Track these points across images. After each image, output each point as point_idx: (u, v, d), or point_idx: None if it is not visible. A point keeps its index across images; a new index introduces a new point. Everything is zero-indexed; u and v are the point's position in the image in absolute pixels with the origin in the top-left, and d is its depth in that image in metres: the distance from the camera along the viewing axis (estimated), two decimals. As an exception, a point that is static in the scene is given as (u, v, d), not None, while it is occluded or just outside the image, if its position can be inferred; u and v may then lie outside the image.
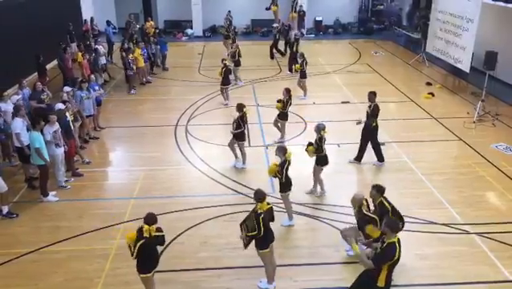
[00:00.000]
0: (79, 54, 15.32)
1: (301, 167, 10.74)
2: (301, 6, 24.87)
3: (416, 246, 7.65)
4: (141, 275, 6.25)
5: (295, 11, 24.40)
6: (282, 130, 11.85)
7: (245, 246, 6.61)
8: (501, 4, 14.41)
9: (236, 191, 9.53)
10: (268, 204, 6.63)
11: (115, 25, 23.46)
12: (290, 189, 8.26)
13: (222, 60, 14.57)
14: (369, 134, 10.27)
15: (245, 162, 10.52)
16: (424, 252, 7.59)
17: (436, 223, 8.38)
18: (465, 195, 9.40)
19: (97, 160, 11.11)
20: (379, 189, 6.81)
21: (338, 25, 26.43)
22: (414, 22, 23.86)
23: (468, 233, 8.21)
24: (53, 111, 10.12)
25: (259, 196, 6.56)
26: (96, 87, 12.48)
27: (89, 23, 20.96)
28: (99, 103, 12.48)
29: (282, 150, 8.17)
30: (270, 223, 6.68)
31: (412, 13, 24.86)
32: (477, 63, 15.23)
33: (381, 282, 5.55)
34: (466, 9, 15.09)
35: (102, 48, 16.98)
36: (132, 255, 6.01)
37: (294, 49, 18.07)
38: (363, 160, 10.55)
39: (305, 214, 8.80)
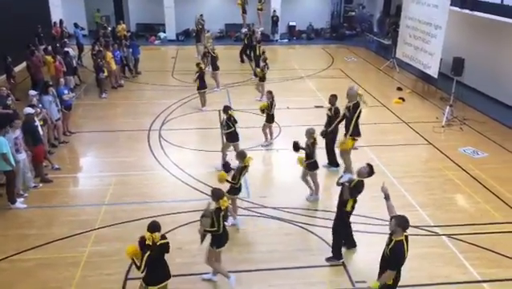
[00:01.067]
0: (48, 57, 14.97)
1: (276, 171, 10.82)
2: (274, 10, 25.05)
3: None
4: (149, 288, 6.05)
5: (260, 3, 24.40)
6: (270, 133, 11.96)
7: (202, 241, 6.76)
8: (468, 12, 14.89)
9: (210, 196, 9.45)
10: (226, 201, 6.76)
11: (85, 27, 23.10)
12: (237, 194, 8.37)
13: (197, 64, 14.50)
14: (331, 137, 10.43)
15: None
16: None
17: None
18: (435, 198, 9.63)
19: (67, 166, 10.86)
20: None
21: (311, 30, 26.73)
22: (385, 28, 24.39)
23: (438, 235, 8.41)
24: (19, 116, 9.84)
25: (219, 194, 6.68)
26: (66, 91, 12.20)
27: (58, 25, 20.52)
28: (68, 107, 12.21)
29: (241, 155, 8.23)
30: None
31: (383, 19, 25.42)
32: (445, 68, 15.67)
33: (389, 280, 5.77)
34: (434, 16, 15.52)
35: (72, 51, 16.64)
36: (139, 269, 5.80)
37: (258, 52, 18.19)
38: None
39: (279, 218, 8.82)
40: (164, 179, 10.32)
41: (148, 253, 5.75)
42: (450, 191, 9.95)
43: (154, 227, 5.88)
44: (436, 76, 15.88)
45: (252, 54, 19.87)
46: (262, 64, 15.14)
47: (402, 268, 5.83)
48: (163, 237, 5.99)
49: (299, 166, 9.24)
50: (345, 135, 9.87)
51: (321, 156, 10.64)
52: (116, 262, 7.44)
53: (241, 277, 7.18)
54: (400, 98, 15.86)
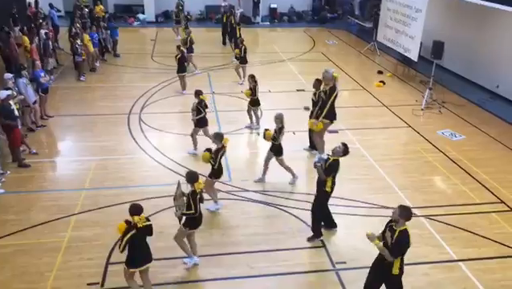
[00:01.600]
0: (25, 38, 14.54)
1: (257, 155, 10.82)
2: (256, -8, 24.76)
3: (368, 229, 7.88)
4: (130, 270, 6.09)
5: None
6: (256, 116, 11.90)
7: (180, 223, 6.87)
8: (448, -5, 15.01)
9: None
10: (201, 183, 6.78)
11: (61, 8, 22.45)
12: (219, 177, 8.36)
13: (178, 47, 14.29)
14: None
15: (195, 148, 10.42)
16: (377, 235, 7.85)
17: (387, 207, 8.65)
18: (413, 180, 9.80)
19: (45, 151, 10.66)
20: None
21: (292, 13, 26.53)
22: (366, 11, 24.37)
23: (416, 216, 8.55)
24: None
25: (193, 177, 6.73)
26: (42, 74, 11.91)
27: (33, 6, 19.88)
28: (45, 90, 11.93)
29: (218, 137, 8.18)
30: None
31: (364, 2, 25.38)
32: (425, 52, 15.79)
33: (396, 270, 5.75)
34: (415, -1, 15.57)
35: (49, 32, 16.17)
36: (119, 248, 5.87)
37: (238, 34, 17.99)
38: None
39: (261, 202, 8.86)
40: (145, 163, 10.23)
41: (131, 234, 5.77)
42: (428, 173, 10.13)
43: (138, 209, 5.92)
44: (416, 60, 16.01)
45: (233, 37, 19.64)
46: (240, 46, 15.00)
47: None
48: (146, 219, 6.03)
49: (266, 141, 9.29)
50: (317, 117, 9.80)
51: (304, 139, 10.72)
52: (97, 246, 7.40)
53: (222, 260, 7.23)
54: (380, 81, 15.96)
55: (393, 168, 10.24)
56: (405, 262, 7.21)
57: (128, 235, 5.78)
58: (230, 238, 7.85)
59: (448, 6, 16.45)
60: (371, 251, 6.17)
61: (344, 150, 7.29)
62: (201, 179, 6.88)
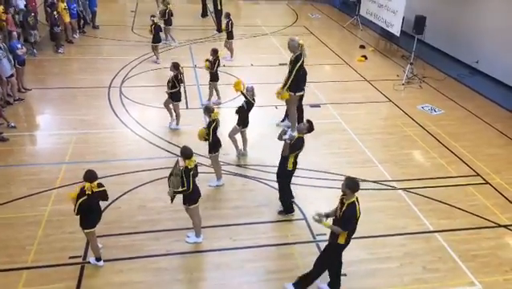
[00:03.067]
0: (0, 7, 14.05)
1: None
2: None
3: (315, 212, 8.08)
4: (85, 231, 6.35)
5: None
6: (216, 92, 11.77)
7: (172, 201, 6.74)
8: (431, -31, 14.95)
9: (173, 154, 9.42)
10: (193, 160, 6.69)
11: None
12: (218, 150, 8.35)
13: (151, 17, 14.08)
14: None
15: (178, 123, 10.39)
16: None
17: (367, 180, 8.83)
18: (393, 154, 9.97)
19: (24, 124, 10.47)
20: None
21: (275, -15, 26.12)
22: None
23: (395, 188, 8.77)
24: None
25: (188, 153, 6.59)
26: (19, 45, 11.59)
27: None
28: (22, 62, 11.63)
29: (208, 110, 8.10)
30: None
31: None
32: (408, 27, 15.82)
33: (342, 240, 5.75)
34: (398, -27, 15.47)
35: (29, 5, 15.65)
36: (74, 211, 6.11)
37: (219, 7, 17.72)
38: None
39: (243, 175, 8.93)
40: (127, 137, 10.15)
41: (83, 199, 6.01)
42: (408, 147, 10.31)
43: (92, 177, 6.10)
44: (398, 34, 16.04)
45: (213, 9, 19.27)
46: (225, 21, 14.73)
47: (357, 226, 5.82)
48: (100, 185, 6.20)
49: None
50: (282, 87, 9.60)
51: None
52: (79, 220, 7.38)
53: (205, 232, 7.30)
54: (362, 56, 15.99)
55: (373, 142, 10.38)
56: (383, 233, 7.50)
57: (81, 200, 6.01)
58: (213, 211, 7.92)
59: (431, -20, 16.42)
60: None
61: (309, 127, 7.24)
62: (195, 157, 6.77)
